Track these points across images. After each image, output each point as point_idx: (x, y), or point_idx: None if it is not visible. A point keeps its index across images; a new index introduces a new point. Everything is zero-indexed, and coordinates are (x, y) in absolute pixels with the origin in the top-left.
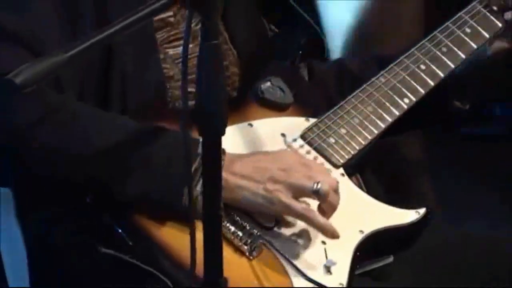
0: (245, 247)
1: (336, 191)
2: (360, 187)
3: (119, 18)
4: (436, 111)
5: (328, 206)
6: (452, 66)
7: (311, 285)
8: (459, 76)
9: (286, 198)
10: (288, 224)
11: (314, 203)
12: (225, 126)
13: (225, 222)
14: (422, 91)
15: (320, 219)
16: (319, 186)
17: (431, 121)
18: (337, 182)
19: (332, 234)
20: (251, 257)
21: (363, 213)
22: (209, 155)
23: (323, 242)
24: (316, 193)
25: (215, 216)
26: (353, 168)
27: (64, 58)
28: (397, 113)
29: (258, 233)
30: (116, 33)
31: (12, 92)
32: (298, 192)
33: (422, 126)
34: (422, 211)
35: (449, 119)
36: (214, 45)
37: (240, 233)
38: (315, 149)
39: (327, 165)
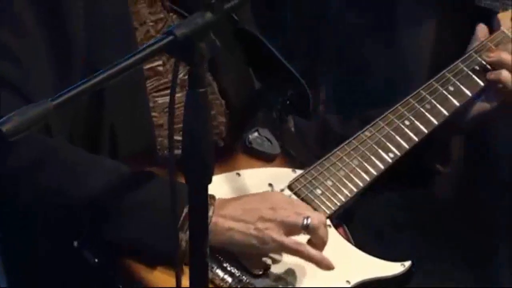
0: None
1: (325, 225)
2: (347, 238)
3: (107, 65)
4: (418, 173)
5: (318, 240)
6: (436, 122)
7: None
8: (441, 140)
9: (278, 235)
10: (277, 272)
11: (304, 240)
12: (212, 175)
13: (215, 267)
14: (407, 146)
15: (314, 252)
16: (309, 221)
17: (413, 183)
18: (325, 218)
19: (327, 265)
20: None
21: (349, 264)
22: (195, 203)
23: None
24: (306, 228)
25: (202, 263)
26: (339, 219)
27: (51, 107)
28: (382, 167)
29: (247, 280)
30: (103, 81)
31: (2, 136)
32: (289, 228)
33: (404, 187)
34: (408, 263)
35: (430, 181)
36: (200, 93)
37: (229, 280)
38: (302, 199)
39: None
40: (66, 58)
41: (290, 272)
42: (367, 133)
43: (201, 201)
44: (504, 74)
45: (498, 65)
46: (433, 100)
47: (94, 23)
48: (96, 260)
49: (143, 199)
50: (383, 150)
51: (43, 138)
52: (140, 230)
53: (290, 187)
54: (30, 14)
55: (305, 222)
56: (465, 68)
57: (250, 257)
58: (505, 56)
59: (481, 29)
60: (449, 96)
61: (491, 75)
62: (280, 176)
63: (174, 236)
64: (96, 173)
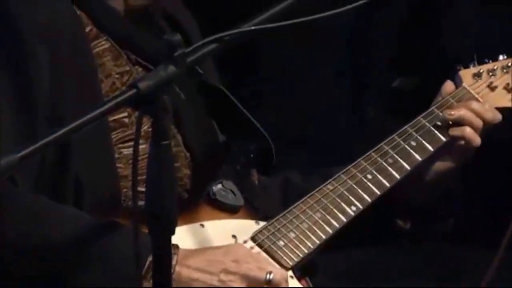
0: None
1: (286, 281)
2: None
3: (72, 117)
4: (380, 229)
5: None
6: (398, 177)
7: None
8: (402, 196)
9: (240, 280)
10: None
11: None
12: (175, 226)
13: None
14: (369, 199)
15: None
16: (271, 276)
17: (375, 239)
18: (287, 273)
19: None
20: None
21: None
22: (158, 253)
23: None
24: (268, 283)
25: None
26: (302, 271)
27: (16, 159)
28: (344, 219)
29: None
30: (68, 133)
31: None
32: (251, 282)
33: (366, 243)
34: None
35: (392, 236)
36: (164, 146)
37: None
38: (265, 251)
39: (272, 262)
40: (31, 108)
41: None
42: (329, 186)
43: (165, 251)
44: (468, 130)
45: (459, 122)
46: (395, 155)
47: (59, 74)
48: None
49: (107, 248)
50: (345, 204)
51: (10, 187)
52: (104, 279)
53: (253, 238)
54: None
55: (267, 277)
56: (427, 124)
57: None
58: (465, 113)
59: (448, 85)
60: (411, 151)
61: (454, 132)
62: (244, 227)
63: (137, 285)
64: (59, 221)
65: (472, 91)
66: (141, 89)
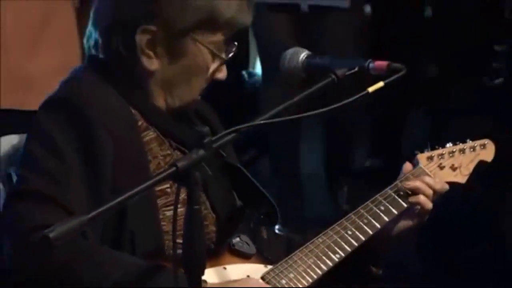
0: None
1: None
2: None
3: (128, 188)
4: (358, 274)
5: None
6: (371, 232)
7: None
8: (374, 248)
9: None
10: None
11: None
12: (204, 268)
13: None
14: (349, 249)
15: None
16: None
17: (354, 281)
18: None
19: None
20: None
21: None
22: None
23: None
24: None
25: None
26: None
27: (85, 220)
28: (331, 264)
29: None
30: (126, 200)
31: (48, 243)
32: None
33: (347, 285)
34: None
35: (367, 280)
36: (195, 209)
37: None
38: (272, 286)
39: None
40: (98, 182)
41: None
42: (320, 239)
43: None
44: (421, 198)
45: (416, 191)
46: (369, 216)
47: (119, 157)
48: None
49: (155, 284)
50: (331, 252)
51: (78, 240)
52: None
53: (262, 277)
54: (71, 149)
55: None
56: (392, 194)
57: None
58: (419, 184)
59: (407, 165)
60: (380, 213)
61: (412, 199)
62: (255, 270)
63: None
64: (118, 262)
65: (426, 170)
66: (179, 167)
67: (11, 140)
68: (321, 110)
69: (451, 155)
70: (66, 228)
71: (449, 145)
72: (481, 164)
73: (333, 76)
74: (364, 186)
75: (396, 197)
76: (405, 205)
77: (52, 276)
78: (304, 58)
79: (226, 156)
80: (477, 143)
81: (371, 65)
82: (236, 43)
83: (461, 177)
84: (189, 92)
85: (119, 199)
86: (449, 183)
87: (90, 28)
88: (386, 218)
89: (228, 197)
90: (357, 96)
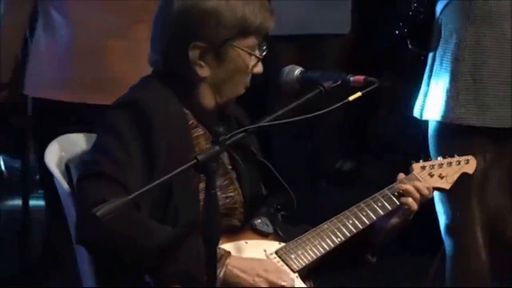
0: None
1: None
2: (310, 286)
3: (183, 159)
4: (356, 261)
5: None
6: (367, 222)
7: None
8: (369, 239)
9: (265, 283)
10: None
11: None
12: (219, 236)
13: None
14: (348, 234)
15: None
16: (285, 283)
17: (352, 267)
18: (292, 280)
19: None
20: None
21: None
22: (208, 254)
23: None
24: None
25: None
26: (307, 275)
27: (127, 200)
28: (332, 245)
29: None
30: (163, 183)
31: (96, 219)
32: (272, 285)
33: (344, 269)
34: None
35: (362, 265)
36: (212, 193)
37: None
38: (283, 260)
39: (289, 270)
40: (152, 169)
41: None
42: (326, 225)
43: (212, 253)
44: (409, 200)
45: (406, 194)
46: (367, 210)
47: (171, 150)
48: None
49: (190, 247)
50: (334, 236)
51: (133, 212)
52: (188, 266)
53: (276, 252)
54: (133, 141)
55: (282, 283)
56: (389, 193)
57: None
58: (409, 187)
59: (401, 175)
60: (377, 208)
61: (402, 199)
62: (271, 245)
63: (208, 272)
64: (161, 231)
65: (418, 176)
66: (199, 160)
67: (68, 138)
68: (312, 114)
69: (440, 166)
70: (112, 206)
71: (440, 158)
72: (463, 175)
73: (321, 88)
74: (337, 187)
75: (392, 196)
76: (398, 203)
77: (106, 241)
78: (298, 73)
79: (256, 153)
80: (462, 158)
81: (351, 78)
82: (266, 43)
83: (446, 185)
84: (235, 88)
85: (153, 183)
86: (436, 188)
87: (149, 51)
88: (381, 212)
89: (255, 186)
90: (340, 104)
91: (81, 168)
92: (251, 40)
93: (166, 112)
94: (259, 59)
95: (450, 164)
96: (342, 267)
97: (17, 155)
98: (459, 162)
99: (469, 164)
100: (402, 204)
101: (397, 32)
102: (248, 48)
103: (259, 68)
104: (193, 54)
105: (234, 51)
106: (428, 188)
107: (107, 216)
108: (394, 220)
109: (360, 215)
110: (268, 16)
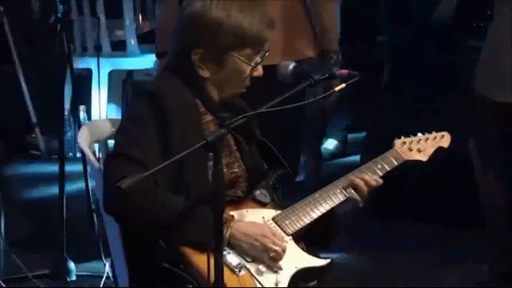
0: (236, 269)
1: (284, 251)
2: (301, 247)
3: (195, 141)
4: (326, 239)
5: (278, 253)
6: (346, 195)
7: None
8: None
9: (262, 247)
10: (258, 263)
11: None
12: (224, 205)
13: (228, 258)
14: (336, 202)
15: (276, 247)
16: (277, 248)
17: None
18: (290, 236)
19: (280, 249)
20: (237, 274)
21: (299, 259)
22: (216, 220)
23: (276, 271)
24: (275, 251)
25: (219, 253)
26: (299, 237)
27: (148, 174)
28: (320, 212)
29: (243, 263)
30: (172, 163)
31: (121, 190)
32: (268, 248)
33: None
34: (328, 260)
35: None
36: (219, 169)
37: (233, 262)
38: (278, 225)
39: (283, 234)
40: (168, 149)
41: (266, 262)
42: (317, 195)
43: (220, 217)
44: (355, 193)
45: (354, 187)
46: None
47: (184, 134)
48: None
49: (200, 215)
50: (324, 203)
51: (152, 186)
52: (198, 231)
53: (273, 219)
54: (152, 126)
55: (275, 248)
56: (340, 187)
57: (246, 252)
58: (358, 182)
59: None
60: (377, 170)
61: (349, 192)
62: (269, 213)
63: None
64: (175, 202)
65: (399, 151)
66: (209, 140)
67: (95, 123)
68: (301, 103)
69: (418, 141)
70: (134, 180)
71: (419, 134)
72: (439, 149)
73: (311, 80)
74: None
75: (343, 190)
76: (396, 163)
77: (129, 210)
78: (292, 67)
79: (258, 135)
80: (438, 134)
81: (337, 72)
82: (265, 50)
83: (424, 157)
84: (234, 89)
85: (169, 161)
86: (415, 160)
87: (169, 52)
88: (380, 173)
89: (257, 163)
90: (326, 94)
91: (94, 157)
92: (249, 49)
93: (180, 102)
94: (254, 67)
95: (427, 139)
96: (316, 245)
97: None
98: (435, 137)
99: (444, 139)
100: (349, 197)
101: None
102: (245, 57)
103: (258, 71)
104: (195, 58)
105: (232, 59)
106: (375, 180)
107: (130, 188)
108: (347, 206)
109: (337, 192)
110: (265, 28)
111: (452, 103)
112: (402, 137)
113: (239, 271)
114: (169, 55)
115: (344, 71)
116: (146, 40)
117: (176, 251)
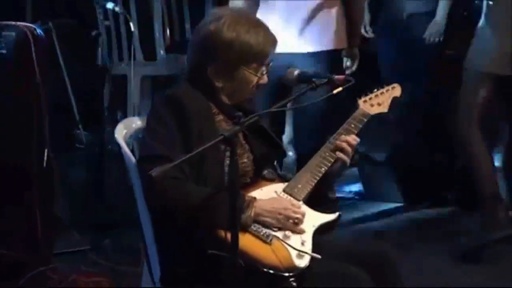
0: (267, 240)
1: (303, 215)
2: (313, 208)
3: (210, 137)
4: (323, 199)
5: (300, 219)
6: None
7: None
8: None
9: (285, 218)
10: (283, 230)
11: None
12: (239, 191)
13: (258, 228)
14: (329, 164)
15: (297, 215)
16: (299, 216)
17: (322, 203)
18: (304, 210)
19: (301, 215)
20: (270, 243)
21: (314, 218)
22: (233, 203)
23: (299, 233)
24: (296, 219)
25: (234, 228)
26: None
27: (171, 166)
28: (320, 174)
29: (271, 234)
30: (197, 155)
31: (152, 178)
32: (290, 218)
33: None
34: (337, 214)
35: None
36: (235, 160)
37: (264, 235)
38: (289, 194)
39: (295, 200)
40: (188, 146)
41: (290, 228)
42: (311, 163)
43: (236, 202)
44: (342, 155)
45: (340, 149)
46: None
47: (201, 132)
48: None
49: (221, 203)
50: (319, 167)
51: (184, 181)
52: (220, 215)
53: (284, 190)
54: (174, 126)
55: (297, 216)
56: (328, 151)
57: (271, 225)
58: (339, 143)
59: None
60: (352, 130)
61: (338, 154)
62: (279, 187)
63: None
64: (200, 191)
65: (364, 108)
66: (226, 136)
67: (129, 120)
68: (305, 104)
69: (376, 96)
70: (162, 169)
71: (375, 90)
72: (394, 99)
73: (313, 84)
74: None
75: (331, 153)
76: (336, 157)
77: (169, 201)
78: (297, 73)
79: (265, 127)
80: (390, 86)
81: (335, 77)
82: (269, 63)
83: (384, 109)
84: (243, 95)
85: (192, 153)
86: (378, 114)
87: (186, 66)
88: (355, 131)
89: (263, 149)
90: (325, 96)
91: (140, 150)
92: (256, 63)
93: (196, 104)
94: (261, 77)
95: (382, 93)
96: (318, 204)
97: None
98: (388, 90)
99: (395, 90)
100: (338, 157)
101: None
102: (253, 69)
103: (264, 80)
104: (210, 70)
105: (242, 71)
106: (354, 139)
107: (160, 176)
108: (336, 167)
109: (328, 155)
110: (269, 45)
111: None
112: (363, 96)
113: (271, 240)
114: (186, 68)
115: (341, 76)
116: (171, 51)
117: (217, 237)
